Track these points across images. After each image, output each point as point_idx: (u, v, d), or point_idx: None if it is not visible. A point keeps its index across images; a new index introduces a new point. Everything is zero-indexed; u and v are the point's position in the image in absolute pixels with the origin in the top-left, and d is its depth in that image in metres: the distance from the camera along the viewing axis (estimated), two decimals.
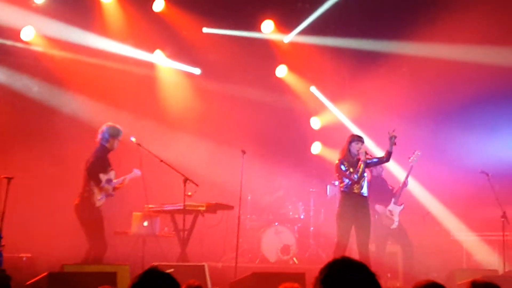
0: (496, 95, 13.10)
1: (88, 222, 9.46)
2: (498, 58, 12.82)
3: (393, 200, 11.16)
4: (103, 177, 9.53)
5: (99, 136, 9.69)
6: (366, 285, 2.90)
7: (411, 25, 13.18)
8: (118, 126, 9.78)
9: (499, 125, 13.55)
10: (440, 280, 4.48)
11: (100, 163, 9.53)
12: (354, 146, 10.07)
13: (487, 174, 10.98)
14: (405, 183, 11.18)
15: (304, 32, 14.60)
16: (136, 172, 10.03)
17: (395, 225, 11.07)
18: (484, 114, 13.61)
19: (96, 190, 9.47)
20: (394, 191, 11.28)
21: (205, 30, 14.27)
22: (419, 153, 10.95)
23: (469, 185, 11.76)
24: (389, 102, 13.84)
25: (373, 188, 11.13)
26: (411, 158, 10.99)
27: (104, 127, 9.72)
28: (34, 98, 13.04)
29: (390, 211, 11.11)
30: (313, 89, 15.66)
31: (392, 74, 13.87)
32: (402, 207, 11.19)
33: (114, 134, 9.67)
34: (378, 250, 11.18)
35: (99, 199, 9.50)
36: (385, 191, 11.32)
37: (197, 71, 14.86)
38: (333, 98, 15.58)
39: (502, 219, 10.79)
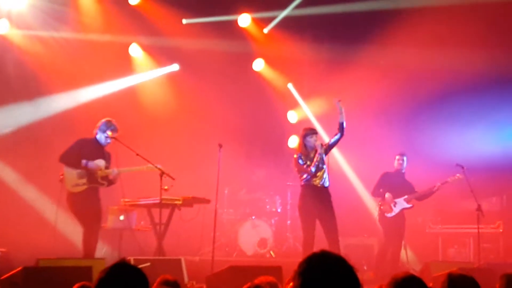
0: (471, 88, 13.19)
1: (68, 207, 9.71)
2: (472, 52, 12.91)
3: (406, 196, 11.42)
4: (84, 163, 9.63)
5: None
6: (345, 278, 2.89)
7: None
8: (111, 121, 9.93)
9: (474, 118, 13.63)
10: (415, 273, 4.52)
11: (77, 151, 9.69)
12: (309, 140, 10.11)
13: (462, 167, 11.07)
14: (425, 195, 11.57)
15: (282, 22, 14.65)
16: (151, 166, 9.96)
17: (391, 214, 11.28)
18: (459, 107, 13.70)
19: (68, 175, 9.61)
20: (413, 191, 11.55)
21: (185, 21, 14.18)
22: (460, 176, 11.23)
23: (445, 178, 11.82)
24: (363, 97, 13.88)
25: (393, 179, 11.46)
26: (451, 178, 11.32)
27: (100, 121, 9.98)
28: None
29: (395, 202, 11.37)
30: (290, 86, 15.66)
31: (367, 69, 13.89)
32: (409, 206, 11.48)
33: (100, 127, 9.84)
34: (394, 250, 11.34)
35: (73, 184, 9.60)
36: (402, 185, 11.58)
37: (175, 67, 14.77)
38: (309, 93, 15.57)
39: (477, 212, 10.88)
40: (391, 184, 11.55)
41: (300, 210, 10.18)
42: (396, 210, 11.39)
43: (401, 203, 11.44)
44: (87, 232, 9.55)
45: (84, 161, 9.60)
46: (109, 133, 9.78)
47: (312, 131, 10.27)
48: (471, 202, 11.09)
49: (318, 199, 10.00)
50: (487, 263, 10.97)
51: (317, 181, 10.03)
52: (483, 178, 11.94)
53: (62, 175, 9.70)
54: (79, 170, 9.62)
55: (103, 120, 9.89)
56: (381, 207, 11.48)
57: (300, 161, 10.08)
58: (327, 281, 2.85)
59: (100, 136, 9.82)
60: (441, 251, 13.21)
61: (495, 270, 8.44)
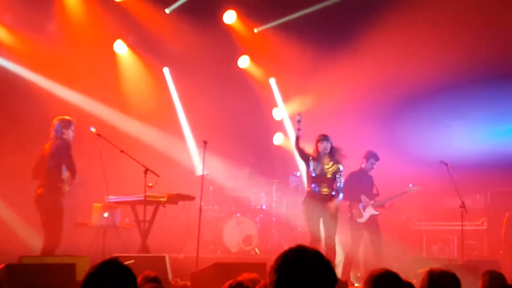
0: (454, 85, 13.23)
1: (53, 212, 9.57)
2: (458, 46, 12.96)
3: (372, 202, 11.29)
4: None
5: (53, 132, 9.82)
6: (321, 272, 2.88)
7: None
8: (68, 117, 9.94)
9: (457, 115, 13.70)
10: (400, 270, 4.51)
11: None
12: (319, 146, 10.29)
13: (446, 164, 11.10)
14: (383, 204, 11.41)
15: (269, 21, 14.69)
16: None
17: (362, 220, 11.18)
18: (443, 104, 13.76)
19: (66, 181, 9.68)
20: (376, 197, 11.42)
21: (168, 10, 14.12)
22: (418, 188, 11.44)
23: (429, 175, 11.86)
24: (348, 95, 13.91)
25: (363, 180, 11.36)
26: (409, 188, 11.39)
27: (55, 122, 9.86)
28: None
29: (364, 207, 11.21)
30: (272, 81, 15.65)
31: (349, 67, 13.91)
32: (377, 213, 11.31)
33: (67, 125, 9.81)
34: (354, 242, 11.27)
35: (67, 189, 9.71)
36: (371, 188, 11.46)
37: (166, 70, 14.73)
38: (293, 91, 15.56)
39: (461, 209, 10.92)
40: (361, 185, 11.36)
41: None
42: (366, 216, 11.18)
43: (370, 209, 11.22)
44: (60, 229, 9.58)
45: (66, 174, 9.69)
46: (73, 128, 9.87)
47: (323, 137, 10.33)
48: (455, 199, 11.13)
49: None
50: (470, 259, 11.02)
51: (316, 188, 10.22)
52: (467, 175, 11.99)
53: (60, 182, 9.68)
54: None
55: (62, 118, 9.87)
56: (353, 211, 11.22)
57: (310, 164, 10.25)
58: (303, 276, 2.83)
59: (68, 134, 9.82)
60: (425, 248, 13.27)
61: (479, 267, 8.48)
